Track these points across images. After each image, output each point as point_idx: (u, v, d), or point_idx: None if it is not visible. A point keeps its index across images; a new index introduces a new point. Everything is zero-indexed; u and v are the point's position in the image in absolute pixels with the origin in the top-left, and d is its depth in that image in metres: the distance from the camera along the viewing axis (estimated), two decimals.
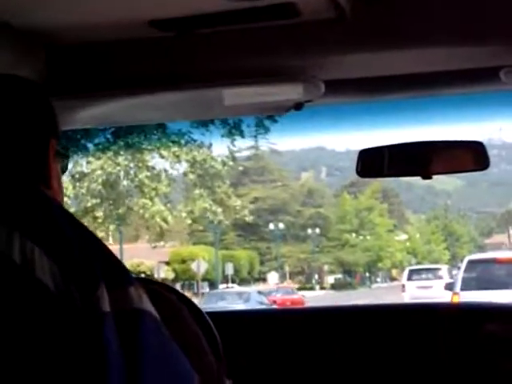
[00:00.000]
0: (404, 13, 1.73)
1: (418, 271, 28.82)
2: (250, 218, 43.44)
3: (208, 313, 1.35)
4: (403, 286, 24.83)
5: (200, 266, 35.52)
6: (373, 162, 2.49)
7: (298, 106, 2.03)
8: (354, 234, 64.84)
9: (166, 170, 26.29)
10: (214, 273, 40.83)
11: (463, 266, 14.41)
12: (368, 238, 64.97)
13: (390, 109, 2.67)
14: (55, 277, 0.95)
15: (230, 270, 43.56)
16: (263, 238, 55.07)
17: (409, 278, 26.18)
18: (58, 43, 1.80)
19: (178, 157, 25.06)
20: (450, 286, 14.87)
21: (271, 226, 53.76)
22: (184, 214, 31.93)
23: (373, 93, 2.24)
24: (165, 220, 28.77)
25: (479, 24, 1.73)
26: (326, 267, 59.56)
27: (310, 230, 58.30)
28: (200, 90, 1.94)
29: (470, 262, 14.45)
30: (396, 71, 2.00)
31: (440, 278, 26.66)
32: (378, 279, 67.34)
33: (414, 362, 2.40)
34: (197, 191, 29.57)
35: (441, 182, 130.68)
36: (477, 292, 12.56)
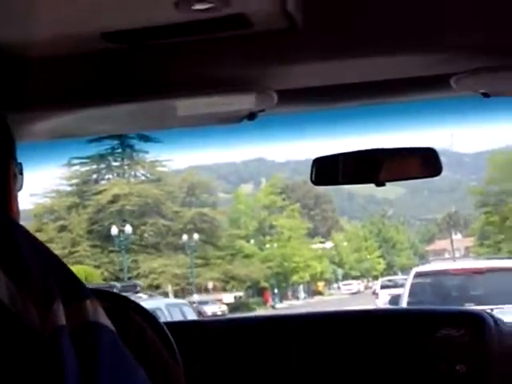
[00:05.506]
0: (354, 23, 1.86)
1: (389, 281, 36.03)
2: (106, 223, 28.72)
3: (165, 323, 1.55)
4: (377, 294, 29.53)
5: None
6: (327, 171, 2.55)
7: (251, 116, 2.14)
8: (252, 241, 48.78)
9: None
10: None
11: (409, 280, 12.24)
12: (275, 245, 49.11)
13: (342, 117, 2.66)
14: (12, 293, 0.95)
15: None
16: (129, 249, 39.15)
17: (381, 287, 31.38)
18: (12, 56, 1.86)
19: None
20: (394, 300, 12.39)
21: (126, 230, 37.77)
22: None
23: (325, 102, 2.35)
24: None
25: (429, 32, 1.87)
26: (210, 284, 43.75)
27: (185, 237, 42.30)
28: (153, 102, 2.03)
29: (418, 276, 12.40)
30: (348, 80, 2.15)
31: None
32: (301, 295, 52.79)
33: (364, 364, 2.61)
34: None
35: (382, 190, 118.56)
36: None
